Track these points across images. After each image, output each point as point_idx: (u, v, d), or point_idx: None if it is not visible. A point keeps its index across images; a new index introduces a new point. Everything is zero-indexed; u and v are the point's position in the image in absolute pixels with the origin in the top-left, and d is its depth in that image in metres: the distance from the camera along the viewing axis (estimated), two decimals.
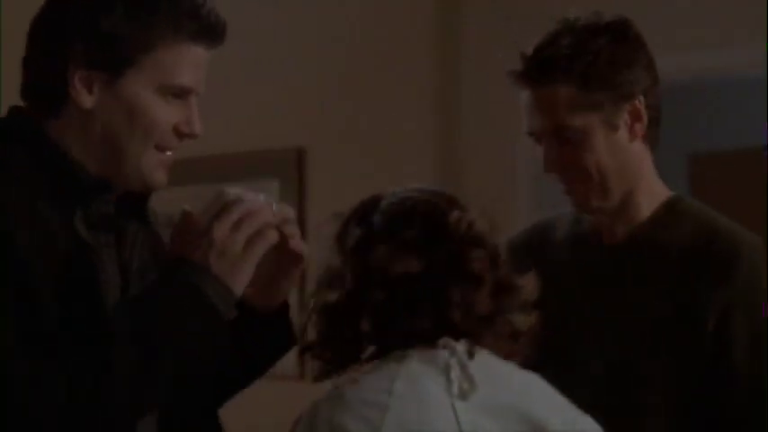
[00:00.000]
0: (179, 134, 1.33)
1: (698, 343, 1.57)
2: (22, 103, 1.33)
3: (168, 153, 1.34)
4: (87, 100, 1.26)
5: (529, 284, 1.40)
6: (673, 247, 1.61)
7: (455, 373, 1.31)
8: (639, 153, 1.63)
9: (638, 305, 1.60)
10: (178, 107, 1.31)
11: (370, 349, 1.38)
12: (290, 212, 1.36)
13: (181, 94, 1.32)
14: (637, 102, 1.59)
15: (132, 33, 1.25)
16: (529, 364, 1.40)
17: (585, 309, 1.64)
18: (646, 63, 1.62)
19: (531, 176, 3.47)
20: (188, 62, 1.31)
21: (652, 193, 1.64)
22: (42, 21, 1.28)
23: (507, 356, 1.39)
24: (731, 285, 1.56)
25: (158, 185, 1.35)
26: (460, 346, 1.34)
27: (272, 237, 1.31)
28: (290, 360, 3.65)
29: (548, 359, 1.47)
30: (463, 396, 1.30)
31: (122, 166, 1.30)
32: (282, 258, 1.35)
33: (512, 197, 3.62)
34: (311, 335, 1.42)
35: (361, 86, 3.91)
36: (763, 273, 1.56)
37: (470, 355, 1.33)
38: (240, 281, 1.26)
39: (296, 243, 1.35)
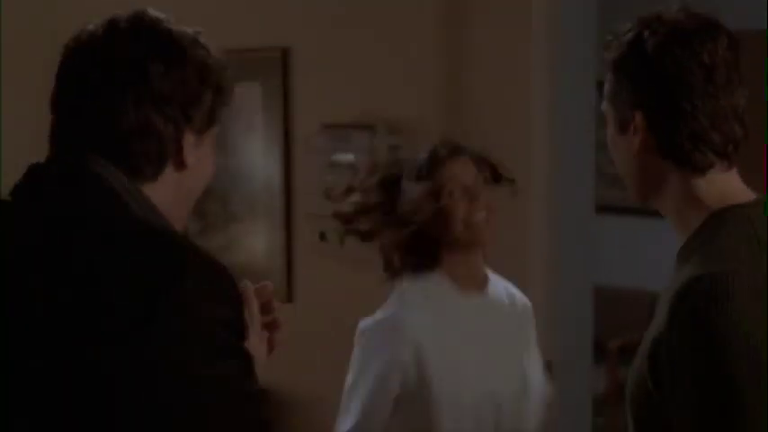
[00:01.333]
0: None
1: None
2: (100, 163, 1.37)
3: None
4: (191, 159, 1.40)
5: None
6: (683, 271, 1.50)
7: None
8: (657, 168, 1.54)
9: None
10: None
11: None
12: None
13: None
14: (637, 116, 1.52)
15: (218, 100, 1.43)
16: None
17: None
18: (664, 85, 1.50)
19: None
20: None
21: (699, 208, 1.53)
22: (159, 92, 1.37)
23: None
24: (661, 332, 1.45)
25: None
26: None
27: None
28: (279, 284, 3.51)
29: None
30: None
31: (182, 220, 1.45)
32: None
33: (525, 99, 3.34)
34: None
35: None
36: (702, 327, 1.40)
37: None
38: None
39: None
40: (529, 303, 2.33)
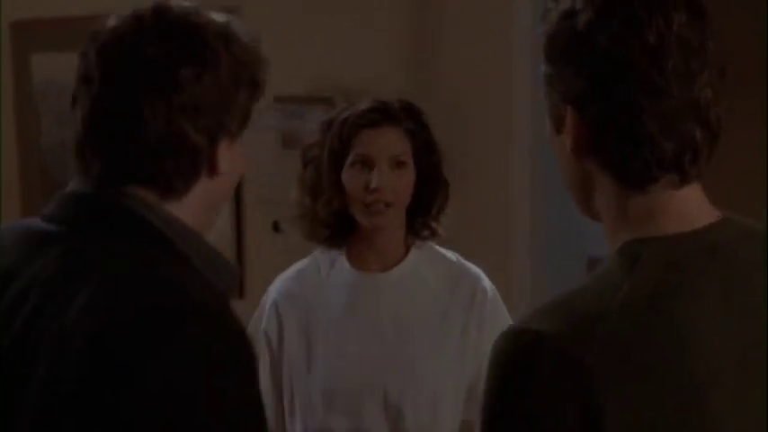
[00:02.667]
0: None
1: None
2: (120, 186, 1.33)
3: None
4: (225, 165, 1.34)
5: None
6: None
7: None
8: (594, 177, 1.28)
9: None
10: None
11: None
12: None
13: None
14: (568, 111, 1.26)
15: (253, 97, 1.37)
16: None
17: None
18: (598, 75, 1.22)
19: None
20: None
21: (615, 235, 1.28)
22: (191, 101, 1.30)
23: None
24: None
25: None
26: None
27: None
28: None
29: None
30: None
31: (213, 223, 1.40)
32: None
33: (504, 62, 3.06)
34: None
35: None
36: None
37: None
38: None
39: None
40: (488, 296, 2.14)
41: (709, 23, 1.21)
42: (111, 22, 1.33)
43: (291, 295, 2.14)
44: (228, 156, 1.34)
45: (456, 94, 3.07)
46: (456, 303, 2.11)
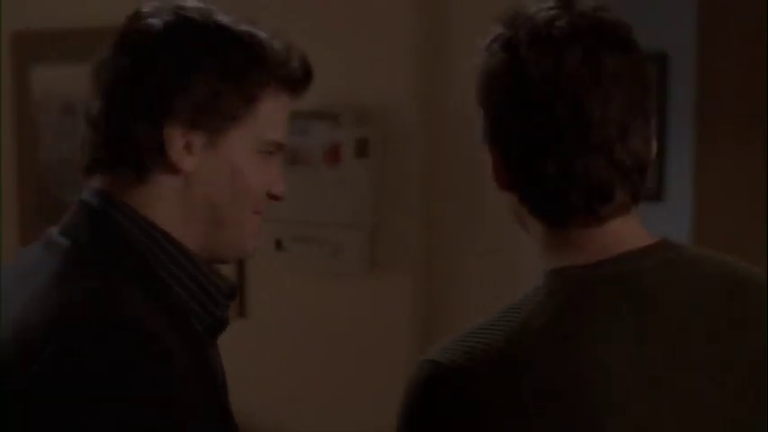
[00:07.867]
0: (270, 196, 1.34)
1: None
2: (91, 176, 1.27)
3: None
4: (188, 163, 1.23)
5: None
6: None
7: None
8: (517, 204, 1.26)
9: None
10: (269, 166, 1.32)
11: None
12: None
13: (274, 151, 1.33)
14: (488, 148, 1.31)
15: (231, 88, 1.25)
16: None
17: None
18: (489, 120, 1.27)
19: None
20: (282, 114, 1.34)
21: (546, 262, 1.25)
22: (129, 78, 1.22)
23: None
24: None
25: (252, 254, 1.34)
26: None
27: None
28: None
29: None
30: None
31: (223, 236, 1.29)
32: None
33: None
34: None
35: None
36: None
37: None
38: None
39: None
40: None
41: (637, 60, 1.17)
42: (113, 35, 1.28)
43: None
44: (201, 154, 1.23)
45: (469, 107, 2.98)
46: None
